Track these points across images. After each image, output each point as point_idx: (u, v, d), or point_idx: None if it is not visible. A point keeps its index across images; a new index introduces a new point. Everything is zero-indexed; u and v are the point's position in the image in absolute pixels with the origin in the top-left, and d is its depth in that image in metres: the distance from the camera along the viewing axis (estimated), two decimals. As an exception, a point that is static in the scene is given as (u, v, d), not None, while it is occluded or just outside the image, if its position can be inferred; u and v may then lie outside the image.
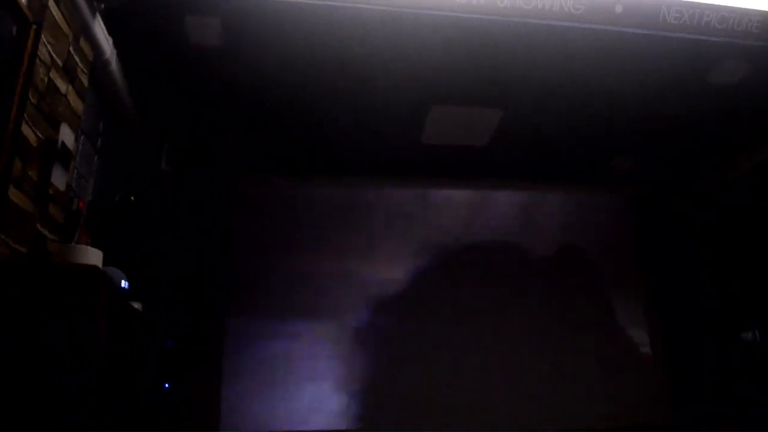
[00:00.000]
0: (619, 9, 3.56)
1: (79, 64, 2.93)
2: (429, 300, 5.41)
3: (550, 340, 5.43)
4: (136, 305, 3.22)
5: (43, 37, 2.49)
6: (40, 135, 2.50)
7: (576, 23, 3.57)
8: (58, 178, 2.65)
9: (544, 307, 5.54)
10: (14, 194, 2.30)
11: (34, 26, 2.44)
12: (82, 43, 2.96)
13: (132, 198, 3.52)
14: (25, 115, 2.36)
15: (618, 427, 5.21)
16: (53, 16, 2.61)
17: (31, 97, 2.41)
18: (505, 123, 4.74)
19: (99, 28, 3.10)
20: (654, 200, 6.08)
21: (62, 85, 2.73)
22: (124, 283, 2.98)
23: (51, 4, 2.57)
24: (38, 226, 2.50)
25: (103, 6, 3.11)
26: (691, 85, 4.29)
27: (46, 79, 2.56)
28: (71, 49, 2.82)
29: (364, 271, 5.40)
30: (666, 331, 5.66)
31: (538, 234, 5.80)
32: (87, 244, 2.64)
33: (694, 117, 4.74)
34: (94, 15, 3.01)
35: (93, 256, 2.43)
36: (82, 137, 3.18)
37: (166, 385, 4.39)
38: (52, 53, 2.61)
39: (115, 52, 3.36)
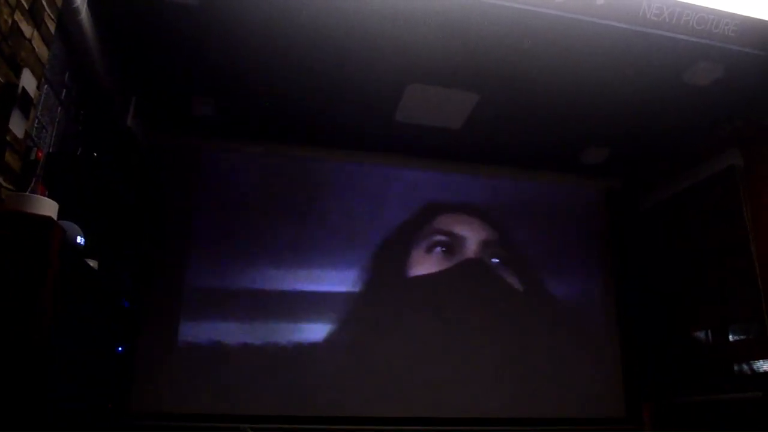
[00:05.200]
0: (600, 1, 3.57)
1: (47, 9, 2.82)
2: (388, 282, 5.41)
3: (510, 328, 5.48)
4: (92, 263, 3.15)
5: (8, -24, 2.39)
6: (-1, 78, 2.41)
7: (557, 12, 3.57)
8: (17, 125, 2.55)
9: (510, 295, 5.60)
10: (-32, 137, 2.22)
11: (-1, -36, 2.34)
12: (51, -13, 2.86)
13: (95, 153, 3.42)
14: (-16, 55, 2.27)
15: (571, 419, 5.30)
16: (21, -45, 2.50)
17: (-8, 37, 2.32)
18: (481, 107, 4.73)
19: (70, -26, 2.99)
20: (622, 194, 6.15)
21: (27, 29, 2.63)
22: (80, 239, 2.91)
23: (19, -58, 2.47)
24: (-8, 172, 2.42)
25: (75, -49, 3.01)
26: (666, 84, 4.34)
27: (10, 21, 2.46)
28: (39, -8, 2.71)
29: (325, 245, 5.35)
30: (624, 324, 5.77)
31: (505, 220, 5.82)
32: (43, 196, 2.56)
33: (667, 115, 4.80)
34: (65, -40, 2.90)
35: (48, 207, 2.35)
36: (45, 86, 3.08)
37: (120, 349, 4.31)
38: (18, -6, 2.51)
39: (85, 0, 3.25)
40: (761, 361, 4.56)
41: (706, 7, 3.69)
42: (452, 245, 5.60)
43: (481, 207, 5.81)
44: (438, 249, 5.57)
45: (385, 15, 3.67)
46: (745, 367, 4.71)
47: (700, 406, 4.92)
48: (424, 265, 5.50)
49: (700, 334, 5.16)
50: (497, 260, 5.68)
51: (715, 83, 4.30)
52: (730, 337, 4.92)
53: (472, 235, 5.68)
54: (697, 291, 5.18)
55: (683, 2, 3.64)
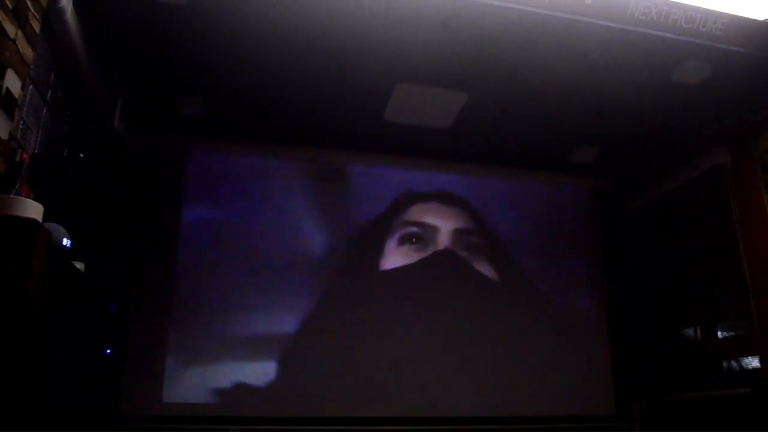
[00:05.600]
0: (588, 0, 3.57)
1: (31, 8, 2.78)
2: (376, 280, 5.41)
3: (500, 326, 5.48)
4: (79, 265, 3.12)
5: (-10, -25, 2.36)
6: (-18, 79, 2.38)
7: (546, 11, 3.58)
8: (1, 126, 2.52)
9: (495, 292, 5.60)
10: (-49, 138, 2.18)
11: (-19, -37, 2.31)
12: (35, -13, 2.82)
13: (81, 155, 3.39)
14: (-33, 55, 2.24)
15: (562, 416, 5.31)
16: (3, -46, 2.47)
17: (-26, 37, 2.29)
18: (470, 107, 4.72)
19: (54, -27, 2.96)
20: (612, 193, 6.16)
21: (11, 29, 2.59)
22: (66, 241, 2.88)
23: (1, -59, 2.43)
24: (-24, 174, 2.39)
25: (60, -50, 2.97)
26: (654, 83, 4.35)
27: (-7, 21, 2.43)
28: (22, -8, 2.68)
29: (315, 244, 5.34)
30: (613, 322, 5.78)
31: (493, 219, 5.82)
32: (28, 198, 2.53)
33: (655, 114, 4.82)
34: (49, -41, 2.87)
35: (33, 210, 2.32)
36: (30, 87, 3.04)
37: (108, 351, 4.28)
38: (1, -6, 2.47)
39: (71, 0, 3.21)
40: (750, 358, 4.59)
41: (694, 6, 3.70)
42: (424, 238, 5.59)
43: (468, 205, 5.80)
44: (410, 239, 5.56)
45: (375, 14, 3.65)
46: (734, 363, 4.73)
47: (689, 403, 4.94)
48: (413, 264, 5.49)
49: (690, 332, 5.19)
50: (490, 261, 5.68)
51: (704, 82, 4.31)
52: (720, 335, 4.94)
53: (454, 230, 5.66)
54: (687, 289, 5.20)
55: (671, 1, 3.66)
